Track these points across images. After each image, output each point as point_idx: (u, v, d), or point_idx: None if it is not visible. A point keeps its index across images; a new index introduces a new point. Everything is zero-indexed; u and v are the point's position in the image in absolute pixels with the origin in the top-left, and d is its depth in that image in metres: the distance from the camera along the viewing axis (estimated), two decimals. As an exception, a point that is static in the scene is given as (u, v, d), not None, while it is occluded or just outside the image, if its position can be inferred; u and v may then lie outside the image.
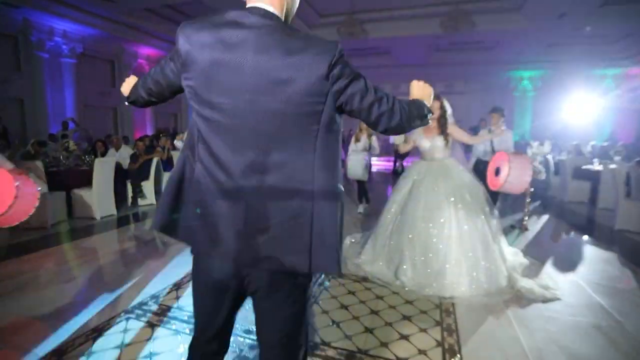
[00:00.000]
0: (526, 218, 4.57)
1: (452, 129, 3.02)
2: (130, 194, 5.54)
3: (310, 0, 9.04)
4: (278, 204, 0.88)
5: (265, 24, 0.87)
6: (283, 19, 0.93)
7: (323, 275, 2.88)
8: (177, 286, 2.76)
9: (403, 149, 3.20)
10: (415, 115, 1.02)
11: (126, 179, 5.59)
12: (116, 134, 10.79)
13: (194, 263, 1.02)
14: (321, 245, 0.89)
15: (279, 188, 0.88)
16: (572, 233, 4.52)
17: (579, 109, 11.71)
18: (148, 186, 5.68)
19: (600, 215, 5.33)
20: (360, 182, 5.20)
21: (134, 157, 5.67)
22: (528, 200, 4.60)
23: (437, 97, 2.97)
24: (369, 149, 5.07)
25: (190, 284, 2.72)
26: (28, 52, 8.40)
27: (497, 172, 3.52)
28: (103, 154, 6.01)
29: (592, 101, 12.00)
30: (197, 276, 1.02)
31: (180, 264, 3.20)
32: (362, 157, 5.02)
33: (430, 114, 1.09)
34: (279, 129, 0.87)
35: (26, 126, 8.58)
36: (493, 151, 4.38)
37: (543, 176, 4.39)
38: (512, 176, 3.26)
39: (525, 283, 2.68)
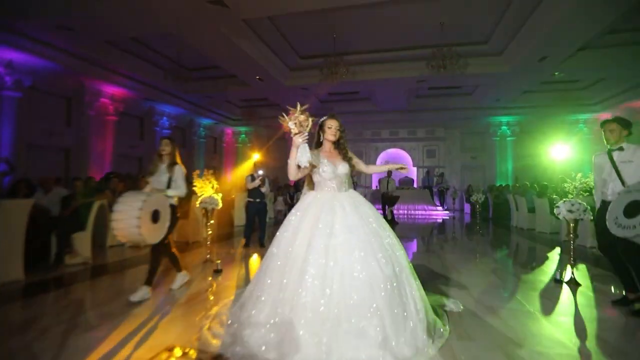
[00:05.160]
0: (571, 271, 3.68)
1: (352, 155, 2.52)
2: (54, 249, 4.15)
3: (290, 41, 8.72)
4: None
5: None
6: None
7: None
8: None
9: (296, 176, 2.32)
10: None
11: (55, 229, 4.24)
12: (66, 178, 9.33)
13: None
14: None
15: None
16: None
17: (558, 153, 11.79)
18: (82, 239, 4.32)
19: None
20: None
21: (66, 201, 4.39)
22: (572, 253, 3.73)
23: (332, 116, 2.46)
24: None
25: None
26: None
27: None
28: (27, 197, 4.65)
29: (568, 145, 12.17)
30: None
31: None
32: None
33: None
34: None
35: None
36: None
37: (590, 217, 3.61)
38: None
39: None
